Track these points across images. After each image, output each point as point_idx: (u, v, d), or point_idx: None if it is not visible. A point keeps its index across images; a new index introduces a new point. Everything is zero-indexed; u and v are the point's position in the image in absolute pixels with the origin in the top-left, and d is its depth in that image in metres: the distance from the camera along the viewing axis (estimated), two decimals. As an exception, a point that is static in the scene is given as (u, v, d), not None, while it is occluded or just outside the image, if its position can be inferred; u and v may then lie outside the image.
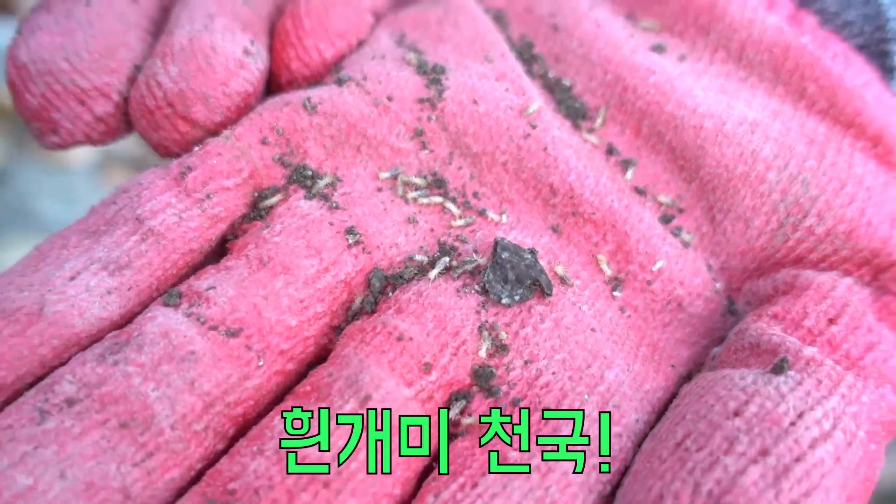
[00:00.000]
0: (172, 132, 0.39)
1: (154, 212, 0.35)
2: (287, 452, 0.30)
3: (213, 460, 0.32)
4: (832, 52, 0.42)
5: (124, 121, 0.40)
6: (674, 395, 0.36)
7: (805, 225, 0.39)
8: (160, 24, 0.42)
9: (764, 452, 0.28)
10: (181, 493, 0.30)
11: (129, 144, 1.45)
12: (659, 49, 0.44)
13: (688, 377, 0.37)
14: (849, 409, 0.31)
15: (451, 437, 0.33)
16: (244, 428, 0.33)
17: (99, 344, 0.32)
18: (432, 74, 0.41)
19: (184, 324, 0.32)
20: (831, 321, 0.35)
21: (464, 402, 0.34)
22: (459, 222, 0.40)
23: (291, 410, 0.32)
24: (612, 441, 0.32)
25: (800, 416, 0.29)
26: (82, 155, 1.41)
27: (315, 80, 0.43)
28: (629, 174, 0.42)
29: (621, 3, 0.47)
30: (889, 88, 0.43)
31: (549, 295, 0.37)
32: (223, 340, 0.33)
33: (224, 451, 0.32)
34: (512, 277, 0.37)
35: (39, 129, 0.39)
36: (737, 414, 0.30)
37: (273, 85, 0.44)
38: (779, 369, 0.32)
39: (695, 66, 0.44)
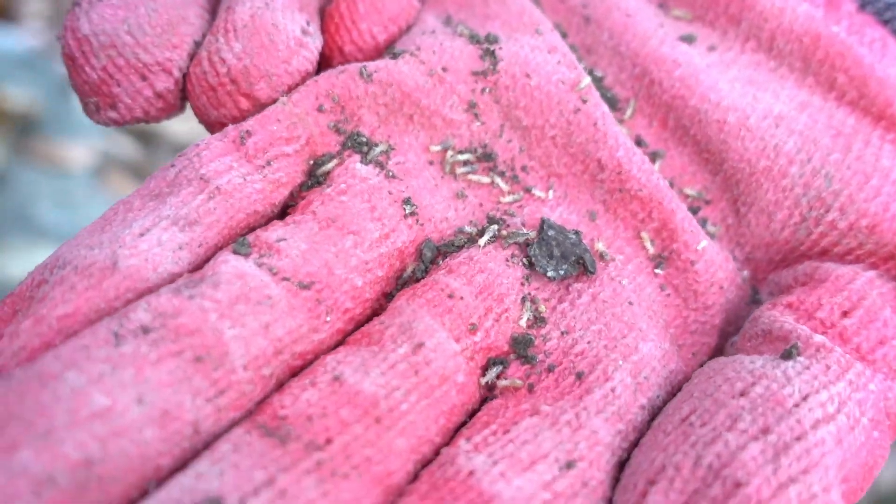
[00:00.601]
0: (233, 109, 0.39)
1: (219, 172, 0.35)
2: (339, 386, 0.30)
3: None
4: (868, 38, 0.43)
5: (181, 98, 0.40)
6: None
7: (827, 220, 0.40)
8: (214, 1, 0.43)
9: (765, 430, 0.29)
10: None
11: (128, 149, 1.45)
12: (689, 39, 0.45)
13: None
14: (855, 395, 0.32)
15: (486, 400, 0.34)
16: None
17: (173, 283, 0.32)
18: (486, 44, 0.42)
19: (257, 271, 0.33)
20: (845, 314, 0.36)
21: (500, 367, 0.35)
22: (508, 198, 0.41)
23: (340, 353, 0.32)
24: (637, 411, 0.33)
25: (804, 398, 0.31)
26: (81, 159, 1.40)
27: None
28: (657, 166, 0.43)
29: None
30: None
31: (593, 273, 0.38)
32: (296, 291, 0.33)
33: None
34: (557, 254, 0.38)
35: (97, 103, 0.39)
36: (742, 394, 0.31)
37: (323, 68, 0.44)
38: (788, 355, 0.33)
39: (724, 56, 0.44)
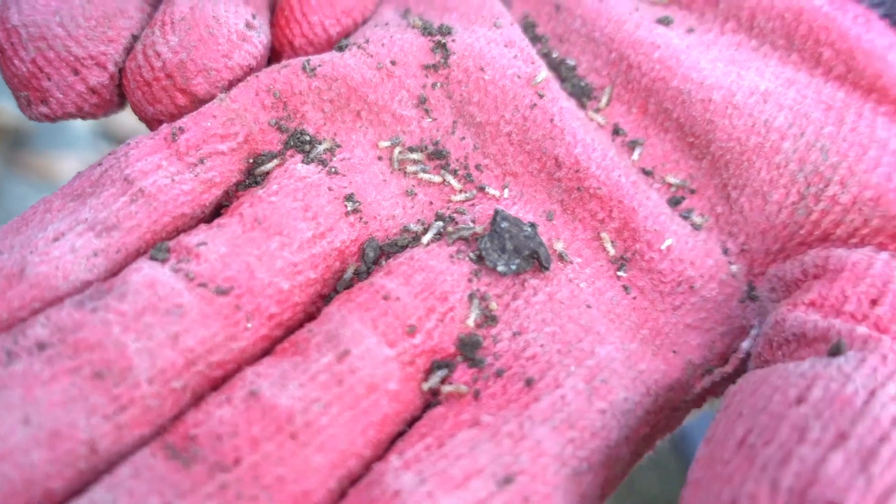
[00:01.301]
0: (169, 105, 0.37)
1: (144, 172, 0.33)
2: (255, 401, 0.28)
3: None
4: (851, 13, 0.40)
5: (118, 93, 0.38)
6: (677, 382, 0.34)
7: (828, 194, 0.37)
8: None
9: (842, 437, 0.25)
10: None
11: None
12: (665, 21, 0.42)
13: (702, 367, 0.35)
14: None
15: (428, 406, 0.32)
16: None
17: (77, 295, 0.30)
18: (438, 36, 0.40)
19: (171, 278, 0.31)
20: (874, 302, 0.32)
21: (445, 370, 0.32)
22: (459, 196, 0.39)
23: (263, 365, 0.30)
24: (594, 416, 0.31)
25: (871, 394, 0.26)
26: (72, 173, 1.39)
27: None
28: (636, 155, 0.40)
29: None
30: None
31: (547, 269, 0.35)
32: (212, 297, 0.31)
33: None
34: (510, 247, 0.35)
35: (28, 98, 0.37)
36: (800, 401, 0.26)
37: (274, 63, 0.42)
38: (836, 351, 0.29)
39: (703, 38, 0.42)
